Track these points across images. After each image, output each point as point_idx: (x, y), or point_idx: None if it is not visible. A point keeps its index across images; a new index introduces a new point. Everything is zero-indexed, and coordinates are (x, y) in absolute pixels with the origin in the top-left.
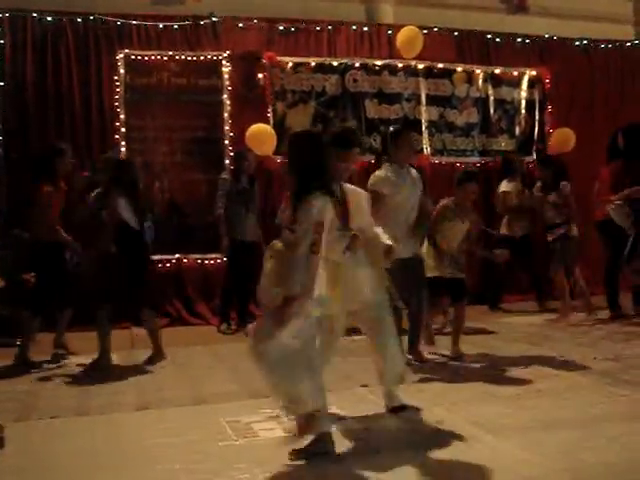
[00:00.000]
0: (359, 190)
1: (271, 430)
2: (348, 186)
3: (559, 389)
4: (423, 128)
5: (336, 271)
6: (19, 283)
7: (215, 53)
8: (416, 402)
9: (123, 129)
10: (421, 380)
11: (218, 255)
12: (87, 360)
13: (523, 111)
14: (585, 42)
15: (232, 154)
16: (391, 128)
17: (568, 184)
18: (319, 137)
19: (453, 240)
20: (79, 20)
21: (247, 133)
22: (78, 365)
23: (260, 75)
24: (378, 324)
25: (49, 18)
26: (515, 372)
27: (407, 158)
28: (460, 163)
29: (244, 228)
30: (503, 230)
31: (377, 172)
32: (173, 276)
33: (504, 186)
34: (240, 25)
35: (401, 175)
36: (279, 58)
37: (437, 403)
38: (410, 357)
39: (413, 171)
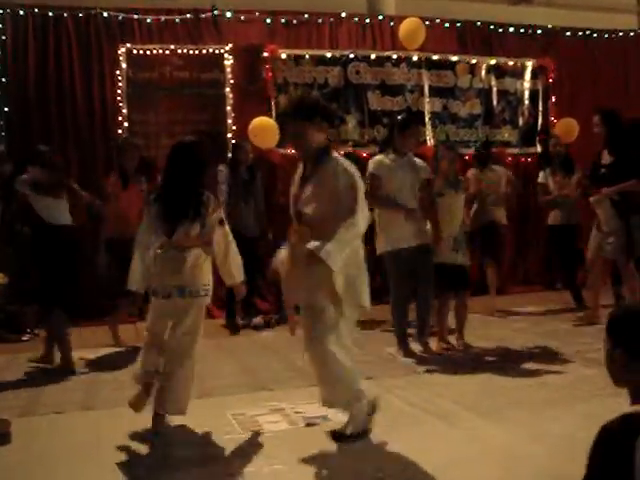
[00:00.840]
0: (333, 179)
1: (276, 423)
2: (327, 170)
3: (565, 381)
4: (426, 119)
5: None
6: (25, 279)
7: (217, 46)
8: (423, 393)
9: (126, 123)
10: (428, 371)
11: None
12: (90, 355)
13: (526, 102)
14: (589, 32)
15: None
16: (399, 117)
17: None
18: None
19: (453, 218)
20: (80, 15)
21: (250, 126)
22: (81, 359)
23: (262, 68)
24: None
25: (50, 13)
26: (522, 364)
27: (412, 149)
28: (463, 154)
29: (241, 222)
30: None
31: (375, 157)
32: None
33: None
34: (242, 18)
35: (398, 161)
36: (281, 51)
37: (443, 395)
38: (420, 349)
39: (416, 159)
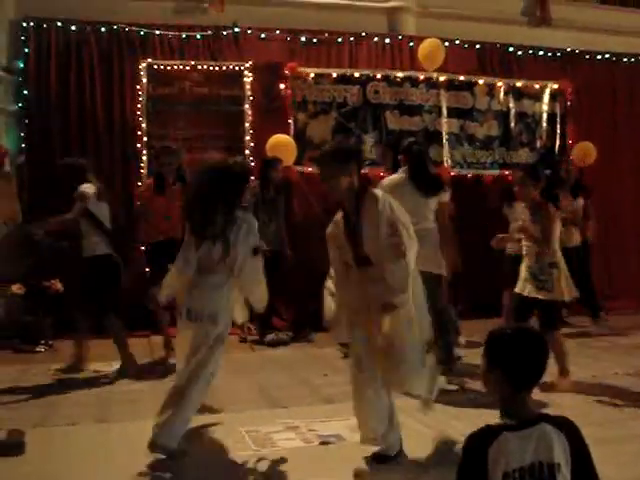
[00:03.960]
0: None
1: (290, 440)
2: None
3: (582, 404)
4: (444, 140)
5: None
6: (40, 290)
7: (237, 63)
8: (438, 416)
9: (145, 138)
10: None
11: None
12: (104, 367)
13: (544, 124)
14: (608, 55)
15: (262, 161)
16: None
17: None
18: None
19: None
20: (102, 30)
21: (267, 143)
22: (95, 371)
23: (281, 86)
24: None
25: (73, 28)
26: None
27: None
28: (480, 175)
29: (266, 237)
30: None
31: None
32: None
33: None
34: (262, 35)
35: None
36: (301, 69)
37: (460, 417)
38: None
39: None
